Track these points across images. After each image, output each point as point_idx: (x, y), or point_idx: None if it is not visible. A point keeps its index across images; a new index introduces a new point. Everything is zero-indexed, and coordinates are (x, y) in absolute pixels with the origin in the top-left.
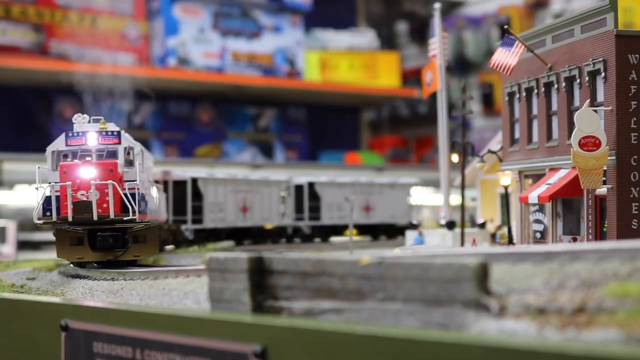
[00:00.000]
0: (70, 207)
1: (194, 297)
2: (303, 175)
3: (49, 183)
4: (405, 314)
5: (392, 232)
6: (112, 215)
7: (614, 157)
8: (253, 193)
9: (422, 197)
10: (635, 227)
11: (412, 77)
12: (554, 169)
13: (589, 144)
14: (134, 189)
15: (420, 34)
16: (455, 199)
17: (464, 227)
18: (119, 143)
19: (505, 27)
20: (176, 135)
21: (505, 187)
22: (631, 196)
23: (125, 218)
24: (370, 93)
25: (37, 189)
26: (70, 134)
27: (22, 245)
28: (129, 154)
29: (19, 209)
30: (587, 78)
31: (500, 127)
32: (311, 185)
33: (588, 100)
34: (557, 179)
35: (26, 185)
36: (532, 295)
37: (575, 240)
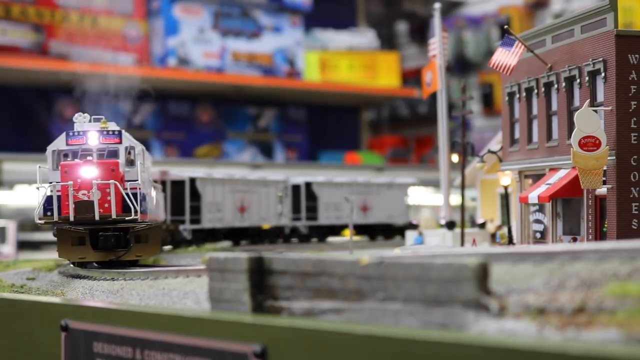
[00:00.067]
0: (72, 206)
1: (194, 297)
2: (303, 176)
3: (50, 183)
4: (405, 314)
5: (389, 232)
6: (114, 215)
7: (614, 157)
8: (251, 193)
9: (422, 197)
10: (635, 227)
11: (412, 77)
12: (554, 169)
13: (589, 144)
14: (136, 188)
15: (420, 34)
16: (455, 199)
17: (464, 227)
18: (120, 142)
19: (505, 27)
20: (176, 135)
21: (505, 187)
22: (631, 196)
23: (127, 218)
24: (370, 93)
25: (38, 188)
26: (71, 134)
27: (22, 245)
28: (129, 153)
29: (19, 209)
30: (587, 78)
31: (500, 127)
32: (308, 185)
33: (588, 100)
34: (557, 179)
35: (26, 185)
36: (532, 295)
37: (575, 240)
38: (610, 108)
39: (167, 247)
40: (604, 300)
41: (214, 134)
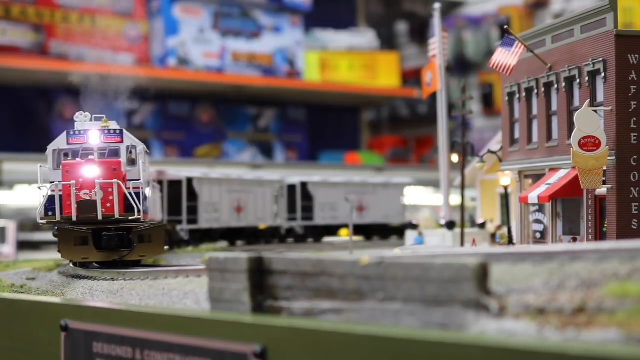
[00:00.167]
0: (74, 206)
1: (194, 297)
2: (302, 176)
3: (51, 182)
4: (405, 314)
5: (385, 232)
6: (117, 215)
7: (614, 157)
8: (247, 193)
9: (422, 197)
10: (635, 227)
11: (412, 77)
12: (553, 169)
13: (589, 144)
14: (139, 188)
15: (420, 34)
16: (455, 199)
17: (464, 227)
18: (122, 141)
19: (505, 27)
20: (176, 135)
21: (505, 187)
22: (631, 196)
23: (130, 218)
24: (370, 93)
25: (39, 188)
26: (71, 133)
27: (22, 246)
28: (131, 152)
29: (19, 209)
30: (587, 78)
31: (500, 127)
32: (304, 185)
33: (588, 101)
34: (557, 179)
35: (26, 185)
36: (532, 295)
37: (575, 240)
38: (610, 108)
39: (165, 248)
40: (603, 301)
41: (214, 134)
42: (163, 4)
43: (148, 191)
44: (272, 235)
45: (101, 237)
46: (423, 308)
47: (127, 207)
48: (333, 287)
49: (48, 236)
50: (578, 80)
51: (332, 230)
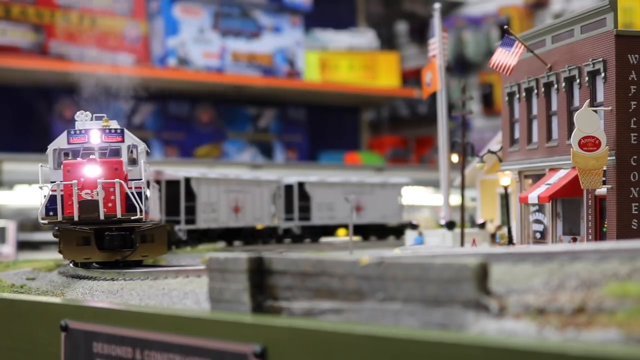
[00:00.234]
0: (76, 206)
1: (194, 297)
2: (299, 176)
3: (52, 182)
4: (405, 314)
5: (383, 232)
6: (119, 215)
7: (614, 157)
8: (245, 193)
9: (422, 197)
10: (635, 227)
11: (412, 77)
12: (553, 169)
13: (589, 144)
14: (140, 187)
15: (420, 34)
16: (455, 199)
17: (464, 227)
18: (123, 141)
19: (505, 27)
20: (176, 135)
21: (505, 187)
22: (631, 196)
23: (132, 217)
24: (370, 93)
25: (40, 187)
26: (72, 132)
27: (22, 246)
28: (132, 152)
29: (19, 209)
30: (587, 78)
31: (500, 127)
32: (301, 185)
33: (588, 101)
34: (557, 179)
35: (26, 185)
36: (532, 295)
37: (575, 240)
38: (610, 108)
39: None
40: (603, 301)
41: (213, 134)
42: (163, 4)
43: (148, 191)
44: (270, 235)
45: (103, 237)
46: (423, 308)
47: (129, 207)
48: (333, 287)
49: (48, 236)
50: (578, 80)
51: (330, 230)
